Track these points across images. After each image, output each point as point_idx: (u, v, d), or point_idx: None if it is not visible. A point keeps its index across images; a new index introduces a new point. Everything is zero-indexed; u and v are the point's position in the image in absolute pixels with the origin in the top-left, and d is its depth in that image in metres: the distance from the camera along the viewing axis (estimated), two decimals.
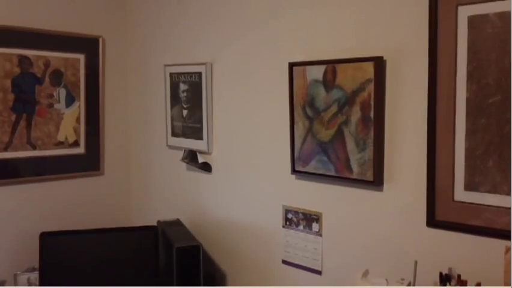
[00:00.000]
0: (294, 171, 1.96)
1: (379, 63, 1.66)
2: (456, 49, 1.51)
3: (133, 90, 2.81)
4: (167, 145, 2.58)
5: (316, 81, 1.84)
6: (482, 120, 1.47)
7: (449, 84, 1.52)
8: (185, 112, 2.46)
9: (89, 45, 2.68)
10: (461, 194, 1.52)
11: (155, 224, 2.44)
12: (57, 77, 2.59)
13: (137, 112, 2.80)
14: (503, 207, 1.43)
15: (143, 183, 2.80)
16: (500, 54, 1.42)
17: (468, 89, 1.49)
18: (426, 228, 1.59)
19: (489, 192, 1.46)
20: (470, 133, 1.49)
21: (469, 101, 1.49)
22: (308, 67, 1.86)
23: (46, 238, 2.32)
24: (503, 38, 1.41)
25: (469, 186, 1.50)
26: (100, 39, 2.71)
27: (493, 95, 1.44)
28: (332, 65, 1.78)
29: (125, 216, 2.86)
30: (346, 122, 1.76)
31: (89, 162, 2.74)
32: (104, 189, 2.80)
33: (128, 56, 2.81)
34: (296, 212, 2.00)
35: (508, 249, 1.30)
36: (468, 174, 1.50)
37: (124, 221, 2.82)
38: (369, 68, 1.67)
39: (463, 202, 1.52)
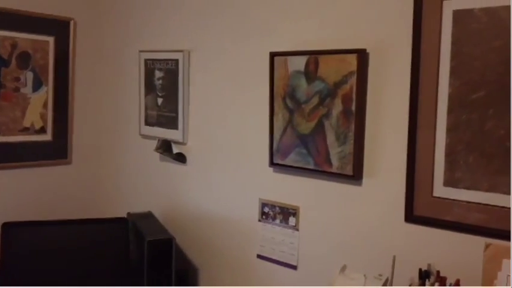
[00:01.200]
0: (272, 163, 1.92)
1: (362, 55, 1.64)
2: (440, 44, 1.49)
3: (105, 76, 2.71)
4: (140, 134, 2.50)
5: (298, 72, 1.80)
6: (463, 116, 1.46)
7: (432, 79, 1.51)
8: (160, 100, 2.38)
9: (59, 28, 2.57)
10: (440, 190, 1.52)
11: (125, 216, 2.36)
12: (24, 60, 2.47)
13: (109, 99, 2.71)
14: (482, 204, 1.43)
15: (114, 174, 2.71)
16: (485, 50, 1.41)
17: (451, 84, 1.48)
18: (404, 223, 1.58)
19: (468, 188, 1.46)
20: (451, 129, 1.48)
21: (451, 97, 1.48)
22: (290, 57, 1.82)
23: (9, 229, 2.20)
24: (487, 33, 1.40)
25: (449, 182, 1.50)
26: (72, 22, 2.60)
27: (476, 90, 1.44)
28: (314, 56, 1.75)
29: (94, 207, 2.76)
30: (327, 115, 1.73)
31: (57, 150, 2.63)
32: (72, 179, 2.70)
33: (101, 40, 2.71)
34: (273, 206, 1.96)
35: (487, 246, 1.30)
36: (448, 170, 1.50)
37: (92, 213, 2.72)
38: (352, 61, 1.65)
39: (442, 198, 1.51)
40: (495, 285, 1.22)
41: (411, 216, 1.57)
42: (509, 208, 1.38)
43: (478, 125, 1.43)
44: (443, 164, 1.50)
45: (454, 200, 1.48)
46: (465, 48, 1.45)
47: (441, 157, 1.51)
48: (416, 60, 1.53)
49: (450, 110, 1.48)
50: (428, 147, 1.53)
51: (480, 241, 1.39)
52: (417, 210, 1.56)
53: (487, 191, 1.42)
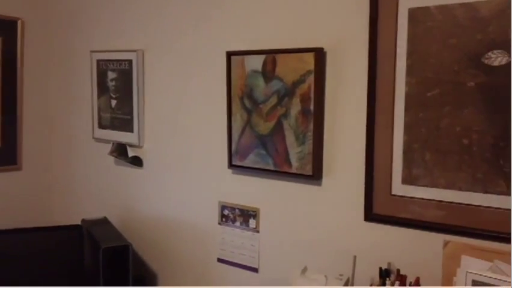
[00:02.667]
0: (231, 165, 1.88)
1: (319, 54, 1.62)
2: (396, 42, 1.49)
3: (55, 78, 2.60)
4: (94, 138, 2.40)
5: (255, 71, 1.77)
6: (420, 114, 1.47)
7: (389, 78, 1.51)
8: (114, 102, 2.30)
9: (6, 28, 2.44)
10: (398, 188, 1.52)
11: (79, 223, 2.26)
12: None
13: (60, 102, 2.59)
14: (439, 201, 1.44)
15: (67, 179, 2.60)
16: (440, 48, 1.42)
17: (407, 83, 1.48)
18: (364, 222, 1.57)
19: (426, 185, 1.46)
20: (408, 127, 1.49)
21: (408, 95, 1.49)
22: (247, 57, 1.78)
23: None
24: (442, 31, 1.41)
25: (407, 180, 1.50)
26: (19, 22, 2.48)
27: (431, 88, 1.44)
28: (271, 55, 1.72)
29: (46, 214, 2.64)
30: (286, 115, 1.70)
31: (5, 155, 2.49)
32: (23, 185, 2.57)
33: (50, 40, 2.59)
34: (233, 208, 1.92)
35: (446, 243, 1.31)
36: (406, 168, 1.50)
37: (45, 220, 2.60)
38: (309, 59, 1.63)
39: (400, 196, 1.51)
40: (455, 282, 1.23)
41: (370, 215, 1.57)
42: (467, 204, 1.39)
43: (434, 122, 1.44)
44: (401, 162, 1.50)
45: (412, 197, 1.49)
46: (420, 47, 1.45)
47: (399, 155, 1.51)
48: (373, 58, 1.53)
49: (407, 108, 1.49)
50: (386, 146, 1.53)
51: (439, 238, 1.40)
52: (377, 209, 1.55)
53: (444, 188, 1.43)
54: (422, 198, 1.47)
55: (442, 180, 1.44)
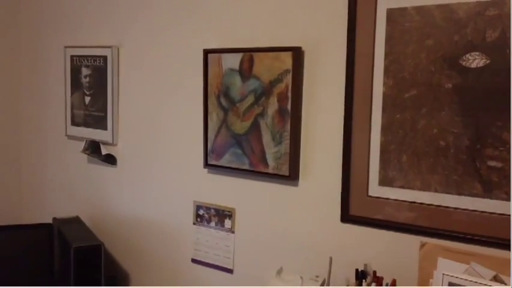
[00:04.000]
0: (206, 164, 1.85)
1: (297, 53, 1.60)
2: (374, 42, 1.48)
3: (27, 73, 2.52)
4: (67, 135, 2.34)
5: (232, 70, 1.74)
6: (397, 116, 1.46)
7: (366, 78, 1.50)
8: (87, 99, 2.24)
9: None
10: (375, 189, 1.51)
11: (50, 221, 2.20)
12: None
13: (31, 98, 2.52)
14: (416, 203, 1.43)
15: (38, 177, 2.52)
16: (417, 48, 1.41)
17: (384, 83, 1.48)
18: (340, 223, 1.56)
19: (403, 187, 1.46)
20: (385, 128, 1.48)
21: (385, 95, 1.48)
22: (224, 55, 1.75)
23: None
24: (420, 32, 1.41)
25: (383, 182, 1.49)
26: None
27: (408, 90, 1.44)
28: (249, 53, 1.70)
29: (16, 213, 2.56)
30: (262, 114, 1.68)
31: None
32: None
33: (21, 35, 2.51)
34: (208, 208, 1.89)
35: (423, 245, 1.30)
36: (382, 169, 1.49)
37: (14, 219, 2.52)
38: (287, 59, 1.61)
39: (377, 197, 1.50)
40: (431, 284, 1.22)
41: (347, 216, 1.55)
42: (443, 207, 1.39)
43: (411, 124, 1.44)
44: (378, 164, 1.50)
45: (388, 199, 1.48)
46: (398, 47, 1.45)
47: (376, 156, 1.50)
48: (351, 58, 1.52)
49: (384, 109, 1.48)
50: (363, 147, 1.52)
51: (415, 240, 1.39)
52: (353, 210, 1.54)
53: (420, 189, 1.43)
54: (399, 200, 1.46)
55: (418, 182, 1.43)
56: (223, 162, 1.80)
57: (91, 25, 2.22)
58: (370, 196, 1.51)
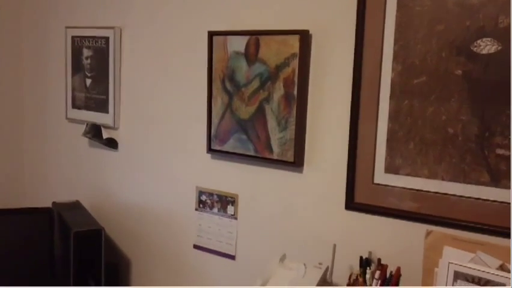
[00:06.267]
0: (210, 150, 1.82)
1: (305, 37, 1.57)
2: (384, 27, 1.45)
3: (27, 54, 2.48)
4: (67, 118, 2.31)
5: (237, 53, 1.71)
6: (405, 102, 1.43)
7: (375, 63, 1.47)
8: (88, 81, 2.20)
9: None
10: (381, 177, 1.49)
11: (50, 206, 2.18)
12: None
13: (32, 80, 2.48)
14: (422, 191, 1.41)
15: (38, 160, 2.50)
16: (427, 34, 1.38)
17: (393, 69, 1.45)
18: (345, 211, 1.54)
19: (409, 175, 1.44)
20: (393, 115, 1.46)
21: (393, 82, 1.45)
22: (229, 37, 1.72)
23: None
24: (430, 17, 1.37)
25: (389, 169, 1.47)
26: None
27: (417, 76, 1.41)
28: (255, 36, 1.66)
29: (16, 197, 2.54)
30: (268, 99, 1.65)
31: None
32: None
33: (22, 15, 2.47)
34: (211, 194, 1.87)
35: (428, 233, 1.28)
36: (389, 156, 1.47)
37: (14, 203, 2.50)
38: (294, 42, 1.58)
39: (382, 185, 1.48)
40: (436, 273, 1.21)
41: (351, 203, 1.54)
42: (450, 195, 1.37)
43: (418, 111, 1.41)
44: (385, 151, 1.47)
45: (394, 186, 1.46)
46: (408, 32, 1.41)
47: (382, 144, 1.48)
48: (360, 43, 1.49)
49: (392, 96, 1.45)
50: (370, 134, 1.50)
51: (421, 228, 1.38)
52: (358, 198, 1.52)
53: (427, 177, 1.41)
54: (405, 188, 1.44)
55: (425, 170, 1.41)
56: (227, 147, 1.78)
57: (92, 5, 2.18)
58: (376, 184, 1.49)
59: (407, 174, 1.44)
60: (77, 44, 2.22)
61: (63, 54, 2.28)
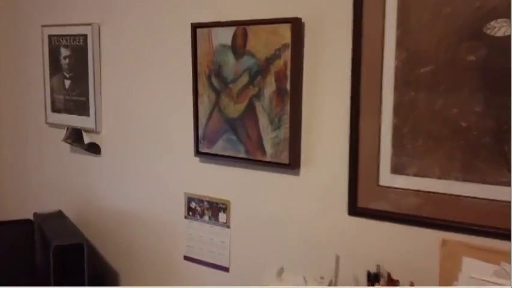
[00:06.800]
0: (197, 152, 1.67)
1: (297, 25, 1.41)
2: (384, 10, 1.30)
3: (2, 56, 2.33)
4: (47, 122, 2.16)
5: (224, 46, 1.56)
6: (411, 93, 1.28)
7: (376, 52, 1.32)
8: (67, 83, 2.05)
9: None
10: (387, 178, 1.34)
11: (31, 217, 2.03)
12: None
13: (8, 83, 2.33)
14: (434, 193, 1.26)
15: (18, 168, 2.35)
16: (433, 17, 1.23)
17: (397, 57, 1.30)
18: (348, 217, 1.39)
19: (418, 175, 1.29)
20: (397, 108, 1.30)
21: (397, 72, 1.30)
22: (214, 29, 1.57)
23: None
24: None
25: (396, 169, 1.32)
26: None
27: (423, 64, 1.26)
28: (242, 27, 1.51)
29: None
30: (258, 95, 1.50)
31: None
32: None
33: None
34: (200, 201, 1.72)
35: (444, 242, 1.13)
36: (395, 155, 1.32)
37: None
38: (285, 32, 1.42)
39: (389, 187, 1.33)
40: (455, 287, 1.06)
41: (355, 208, 1.38)
42: (465, 197, 1.22)
43: (426, 103, 1.26)
44: (390, 149, 1.32)
45: (402, 188, 1.31)
46: (412, 16, 1.26)
47: (387, 141, 1.33)
48: (358, 30, 1.33)
49: (397, 87, 1.30)
50: (373, 130, 1.34)
51: (434, 235, 1.22)
52: (362, 202, 1.37)
53: (438, 177, 1.26)
54: (413, 190, 1.29)
55: (436, 169, 1.26)
56: (216, 149, 1.62)
57: (69, 1, 2.02)
58: (381, 185, 1.34)
59: (416, 175, 1.29)
60: (55, 43, 2.07)
61: (40, 54, 2.13)
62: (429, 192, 1.27)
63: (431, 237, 1.23)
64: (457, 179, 1.24)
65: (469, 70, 1.20)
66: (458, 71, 1.21)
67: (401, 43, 1.28)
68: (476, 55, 1.19)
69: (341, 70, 1.37)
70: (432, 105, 1.26)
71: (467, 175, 1.22)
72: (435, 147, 1.26)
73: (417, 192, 1.28)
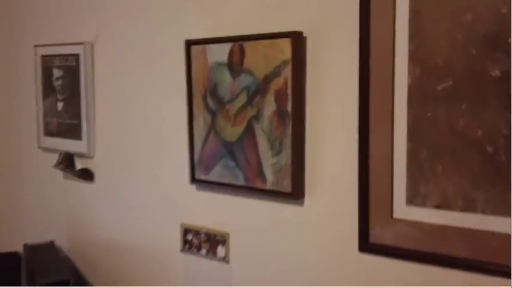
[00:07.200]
0: (193, 180, 1.53)
1: (298, 40, 1.27)
2: (394, 20, 1.15)
3: None
4: (40, 147, 2.04)
5: (219, 64, 1.42)
6: (428, 114, 1.12)
7: (386, 67, 1.17)
8: (60, 105, 1.94)
9: None
10: (402, 209, 1.17)
11: (21, 248, 1.90)
12: None
13: (0, 106, 2.23)
14: (457, 228, 1.09)
15: (8, 195, 2.23)
16: (452, 26, 1.08)
17: (410, 73, 1.14)
18: (358, 254, 1.23)
19: (439, 207, 1.12)
20: (413, 130, 1.14)
21: (411, 89, 1.14)
22: (209, 46, 1.44)
23: None
24: (455, 4, 1.07)
25: (413, 200, 1.16)
26: None
27: (442, 80, 1.10)
28: (239, 42, 1.37)
29: None
30: (257, 117, 1.36)
31: None
32: None
33: None
34: (197, 232, 1.57)
35: (474, 286, 0.96)
36: (411, 183, 1.15)
37: None
38: (285, 47, 1.28)
39: (405, 220, 1.17)
40: None
41: (366, 244, 1.22)
42: (493, 233, 1.05)
43: (446, 124, 1.10)
44: (405, 177, 1.16)
45: (420, 222, 1.14)
46: (427, 25, 1.11)
47: (401, 167, 1.16)
48: (365, 43, 1.19)
49: (410, 107, 1.14)
50: (385, 154, 1.18)
51: (462, 278, 1.05)
52: (375, 237, 1.21)
53: (462, 210, 1.09)
54: (434, 224, 1.12)
55: (459, 200, 1.09)
56: (212, 176, 1.48)
57: (62, 20, 1.92)
58: (396, 218, 1.18)
59: (437, 206, 1.12)
60: (47, 64, 1.96)
61: (33, 75, 2.03)
62: (452, 227, 1.10)
63: (458, 279, 1.06)
64: (484, 212, 1.07)
65: (494, 86, 1.04)
66: (482, 87, 1.05)
67: (414, 57, 1.13)
68: (502, 69, 1.03)
69: (347, 88, 1.22)
70: (453, 127, 1.09)
71: (497, 207, 1.05)
72: (458, 175, 1.09)
73: (439, 227, 1.11)
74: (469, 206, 1.08)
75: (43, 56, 1.97)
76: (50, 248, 1.89)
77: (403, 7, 1.14)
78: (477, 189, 1.07)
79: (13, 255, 1.87)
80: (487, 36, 1.04)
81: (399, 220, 1.17)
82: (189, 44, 1.48)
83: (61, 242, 1.95)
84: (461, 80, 1.08)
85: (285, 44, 1.28)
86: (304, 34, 1.28)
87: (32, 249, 1.86)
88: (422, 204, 1.14)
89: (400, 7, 1.14)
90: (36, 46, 2.00)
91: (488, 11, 1.04)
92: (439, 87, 1.11)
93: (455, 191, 1.10)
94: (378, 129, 1.19)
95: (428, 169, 1.13)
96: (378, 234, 1.20)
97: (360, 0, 1.18)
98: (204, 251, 1.55)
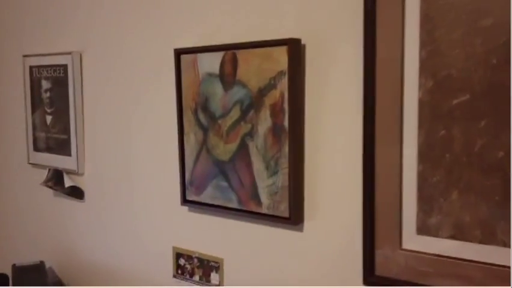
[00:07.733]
0: (185, 201, 1.41)
1: (295, 48, 1.15)
2: (403, 26, 1.02)
3: None
4: (29, 163, 1.94)
5: (210, 75, 1.30)
6: (441, 132, 0.99)
7: (394, 78, 1.04)
8: (49, 118, 1.83)
9: None
10: (412, 240, 1.04)
11: (9, 269, 1.79)
12: None
13: None
14: (475, 262, 0.96)
15: None
16: (468, 32, 0.95)
17: (421, 86, 1.01)
18: (363, 287, 1.09)
19: (454, 238, 0.99)
20: (424, 151, 1.01)
21: (422, 104, 1.01)
22: (200, 55, 1.32)
23: None
24: (471, 8, 0.94)
25: (424, 229, 1.02)
26: None
27: (457, 93, 0.97)
28: (231, 51, 1.25)
29: None
30: (251, 133, 1.23)
31: None
32: None
33: None
34: (190, 257, 1.44)
35: None
36: (422, 211, 1.02)
37: None
38: (281, 56, 1.16)
39: (415, 251, 1.03)
40: None
41: (371, 277, 1.09)
42: None
43: (462, 144, 0.97)
44: (415, 203, 1.03)
45: (432, 254, 1.01)
46: (439, 32, 0.98)
47: (411, 192, 1.03)
48: (371, 52, 1.06)
49: (422, 124, 1.01)
50: (392, 178, 1.05)
51: None
52: (381, 269, 1.08)
53: (480, 242, 0.96)
54: (449, 257, 0.99)
55: (477, 231, 0.96)
56: (204, 197, 1.36)
57: (51, 29, 1.82)
58: (405, 249, 1.05)
59: (451, 237, 0.99)
60: (36, 75, 1.86)
61: (21, 87, 1.93)
62: (468, 260, 0.96)
63: None
64: (505, 244, 0.93)
65: None
66: (503, 102, 0.92)
67: (425, 67, 1.00)
68: None
69: (351, 102, 1.09)
70: (470, 147, 0.96)
71: None
72: (475, 203, 0.96)
73: (454, 260, 0.98)
74: (488, 238, 0.95)
75: (31, 67, 1.87)
76: (39, 269, 1.78)
77: (413, 11, 1.01)
78: (496, 219, 0.93)
79: (1, 277, 1.76)
80: (508, 43, 0.91)
81: (408, 251, 1.04)
82: (179, 53, 1.36)
83: (51, 263, 1.84)
84: (479, 93, 0.95)
85: (281, 53, 1.16)
86: (303, 42, 1.16)
87: (21, 270, 1.75)
88: (435, 234, 1.00)
89: (410, 11, 1.02)
90: (24, 56, 1.90)
91: (509, 15, 0.91)
92: (454, 102, 0.97)
93: (472, 220, 0.96)
94: (385, 149, 1.06)
95: (442, 195, 0.99)
96: (385, 266, 1.07)
97: (365, 3, 1.06)
98: (196, 277, 1.43)
